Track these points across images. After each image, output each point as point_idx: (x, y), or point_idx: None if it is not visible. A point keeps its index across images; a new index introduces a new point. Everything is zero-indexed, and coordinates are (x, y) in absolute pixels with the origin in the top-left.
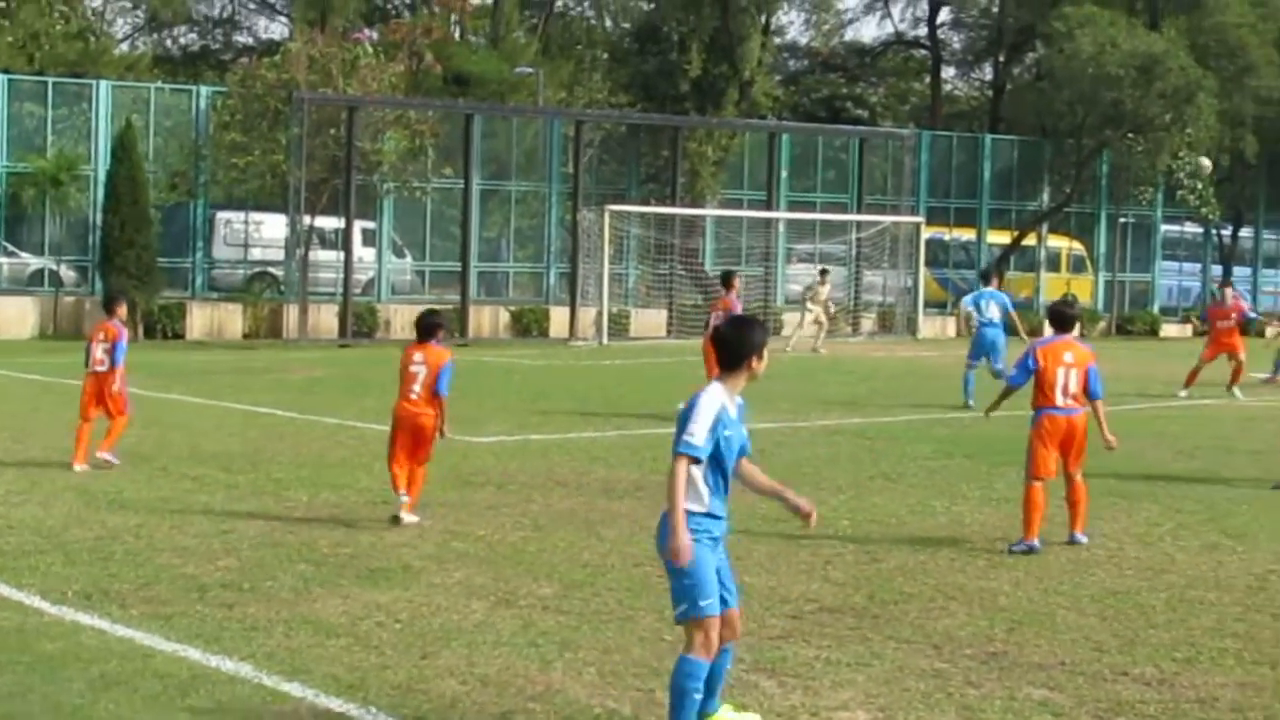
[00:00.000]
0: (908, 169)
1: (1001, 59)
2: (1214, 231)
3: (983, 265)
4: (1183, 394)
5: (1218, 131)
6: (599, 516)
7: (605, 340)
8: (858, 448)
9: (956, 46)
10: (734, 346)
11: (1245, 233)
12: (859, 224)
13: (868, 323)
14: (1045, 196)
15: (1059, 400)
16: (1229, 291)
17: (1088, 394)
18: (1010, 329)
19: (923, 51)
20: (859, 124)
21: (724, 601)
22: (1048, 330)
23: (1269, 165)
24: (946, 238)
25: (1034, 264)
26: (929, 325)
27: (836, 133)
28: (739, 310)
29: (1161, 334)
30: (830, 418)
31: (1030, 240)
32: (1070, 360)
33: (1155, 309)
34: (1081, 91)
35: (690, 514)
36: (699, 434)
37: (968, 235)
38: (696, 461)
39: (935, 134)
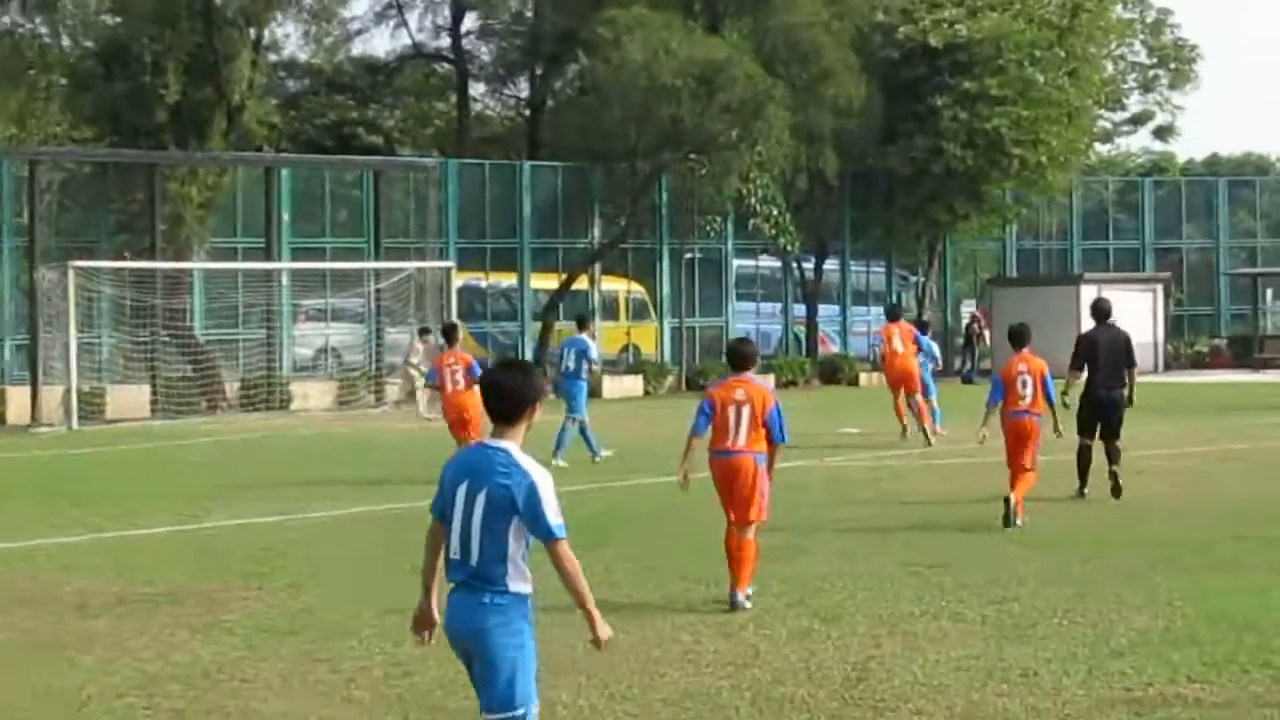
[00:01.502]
0: (433, 205)
1: (539, 72)
2: (795, 264)
3: (578, 313)
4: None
5: (792, 148)
6: (73, 639)
7: (75, 424)
8: (392, 538)
9: (486, 59)
10: (516, 394)
11: (831, 264)
12: (378, 273)
13: (393, 389)
14: (597, 231)
15: (723, 443)
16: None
17: (768, 436)
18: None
19: (446, 66)
20: (374, 153)
21: None
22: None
23: (852, 185)
24: (484, 284)
25: (588, 311)
26: None
27: (347, 165)
28: (472, 361)
29: None
30: (342, 505)
31: (582, 283)
32: (741, 398)
33: None
34: (633, 107)
35: (524, 598)
36: (561, 511)
37: (508, 280)
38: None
39: (464, 162)
